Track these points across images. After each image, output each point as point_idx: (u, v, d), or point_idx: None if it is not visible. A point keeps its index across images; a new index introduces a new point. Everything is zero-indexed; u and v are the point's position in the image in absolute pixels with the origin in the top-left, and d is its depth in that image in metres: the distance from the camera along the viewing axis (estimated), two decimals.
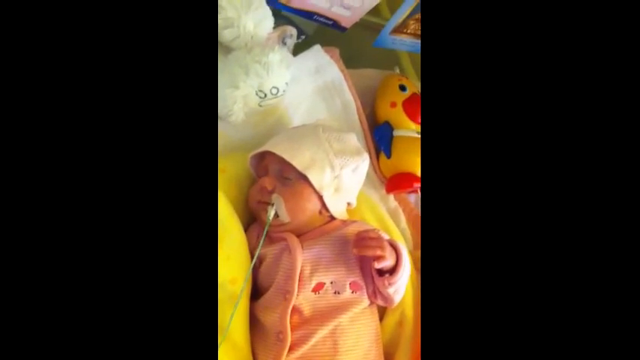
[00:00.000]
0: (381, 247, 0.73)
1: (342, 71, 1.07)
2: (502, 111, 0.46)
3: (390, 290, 0.76)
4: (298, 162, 0.80)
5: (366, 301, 0.78)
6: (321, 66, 1.06)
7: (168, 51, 0.49)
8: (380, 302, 0.79)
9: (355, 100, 1.07)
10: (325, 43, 1.08)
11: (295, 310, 0.74)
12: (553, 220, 0.44)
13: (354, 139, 0.89)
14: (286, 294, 0.75)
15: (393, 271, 0.75)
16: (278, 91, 0.87)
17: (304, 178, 0.80)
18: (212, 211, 0.51)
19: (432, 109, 0.48)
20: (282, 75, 0.85)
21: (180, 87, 0.49)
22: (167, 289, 0.47)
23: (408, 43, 1.11)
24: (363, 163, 0.87)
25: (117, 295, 0.46)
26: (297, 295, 0.74)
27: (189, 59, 0.49)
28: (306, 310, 0.75)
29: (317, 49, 1.07)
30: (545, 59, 0.45)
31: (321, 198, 0.82)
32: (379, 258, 0.72)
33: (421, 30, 1.02)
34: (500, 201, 0.45)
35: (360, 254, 0.75)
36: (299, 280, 0.75)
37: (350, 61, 1.11)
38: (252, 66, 0.82)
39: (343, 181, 0.84)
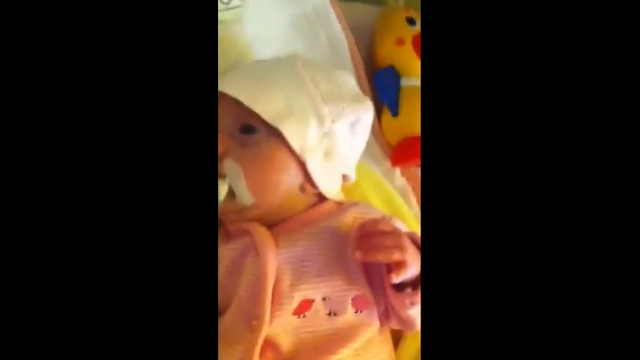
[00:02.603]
0: (401, 248, 0.57)
1: None
2: (503, 111, 0.51)
3: (412, 311, 0.61)
4: (266, 108, 0.64)
5: (375, 324, 0.65)
6: None
7: None
8: (394, 325, 0.66)
9: (347, 36, 0.93)
10: None
11: (268, 343, 0.61)
12: (556, 225, 0.49)
13: (352, 80, 0.73)
14: (253, 319, 0.61)
15: (417, 282, 0.60)
16: None
17: (275, 134, 0.65)
18: (211, 210, 0.51)
19: (431, 109, 0.53)
20: None
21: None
22: (147, 313, 0.47)
23: None
24: (365, 115, 0.71)
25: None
26: (271, 320, 0.61)
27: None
28: (286, 343, 0.62)
29: None
30: (547, 63, 0.50)
31: (303, 166, 0.67)
32: (399, 266, 0.57)
33: (421, 31, 0.95)
34: (503, 202, 0.50)
35: (367, 260, 0.60)
36: (273, 298, 0.62)
37: None
38: None
39: (337, 141, 0.68)
